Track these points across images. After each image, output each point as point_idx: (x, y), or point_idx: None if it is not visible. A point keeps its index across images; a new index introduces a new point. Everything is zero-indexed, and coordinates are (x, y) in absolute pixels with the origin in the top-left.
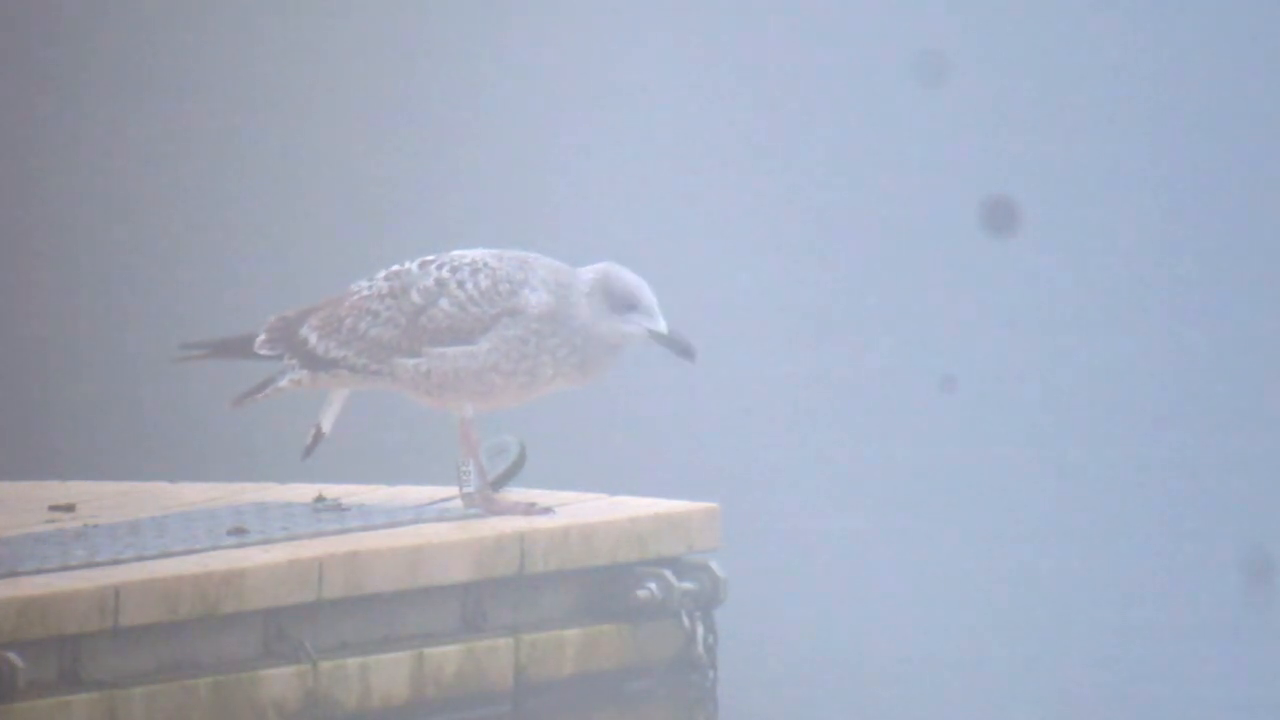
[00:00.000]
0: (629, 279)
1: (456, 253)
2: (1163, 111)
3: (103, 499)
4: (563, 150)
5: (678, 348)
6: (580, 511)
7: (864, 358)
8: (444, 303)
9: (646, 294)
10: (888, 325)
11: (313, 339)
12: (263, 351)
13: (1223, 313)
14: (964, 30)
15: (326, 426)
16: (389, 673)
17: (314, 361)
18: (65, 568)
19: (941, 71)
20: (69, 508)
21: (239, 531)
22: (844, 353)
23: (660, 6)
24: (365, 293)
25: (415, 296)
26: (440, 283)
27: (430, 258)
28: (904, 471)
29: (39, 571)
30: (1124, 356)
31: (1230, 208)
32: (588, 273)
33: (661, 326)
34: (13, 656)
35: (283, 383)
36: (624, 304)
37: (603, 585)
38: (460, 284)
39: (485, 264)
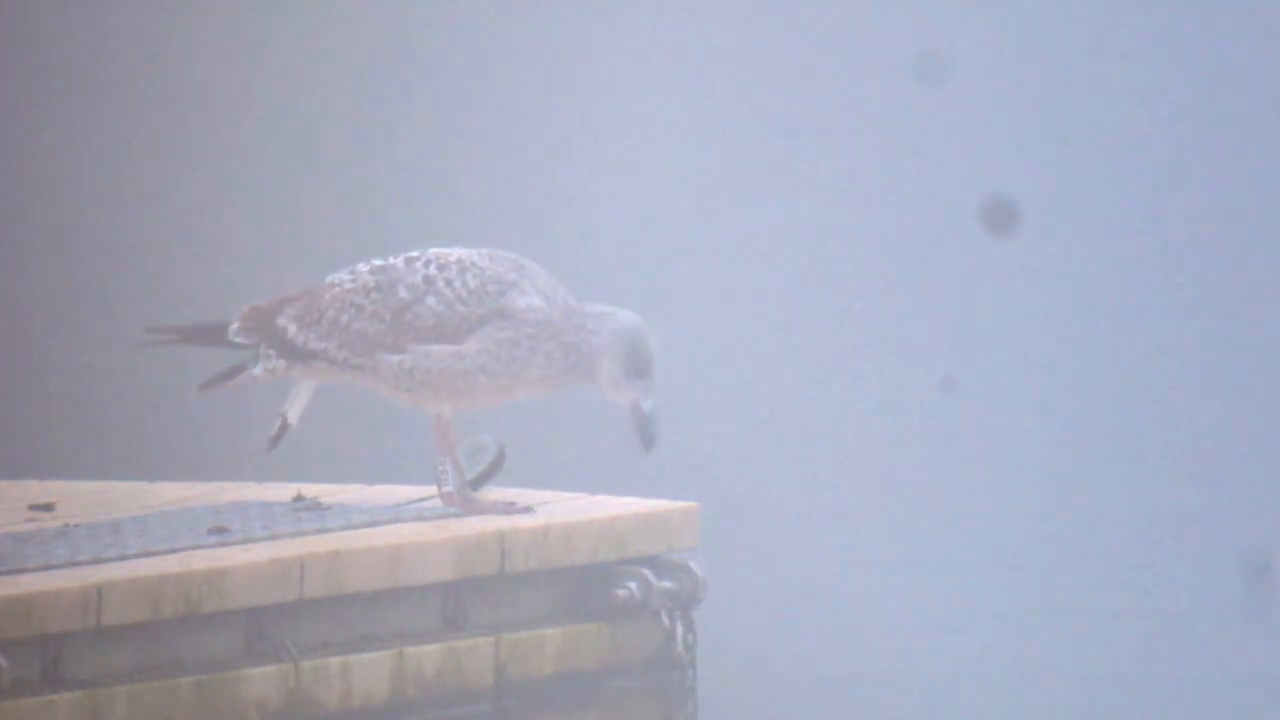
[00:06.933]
0: (651, 349)
1: (438, 250)
2: (1164, 111)
3: (81, 498)
4: (560, 151)
5: (645, 434)
6: (560, 511)
7: (863, 357)
8: (431, 300)
9: (655, 369)
10: (888, 325)
11: (291, 329)
12: (237, 340)
13: (1224, 312)
14: (964, 30)
15: (293, 418)
16: (370, 672)
17: (292, 352)
18: (47, 567)
19: (942, 71)
20: (48, 507)
21: (220, 531)
22: (843, 352)
23: (660, 8)
24: (348, 285)
25: (402, 292)
26: (428, 280)
27: (415, 254)
28: (902, 471)
29: (21, 571)
30: (1124, 356)
31: (1232, 207)
32: (612, 320)
33: (649, 406)
34: None
35: (257, 370)
36: (636, 370)
37: (582, 584)
38: (448, 282)
39: (473, 263)
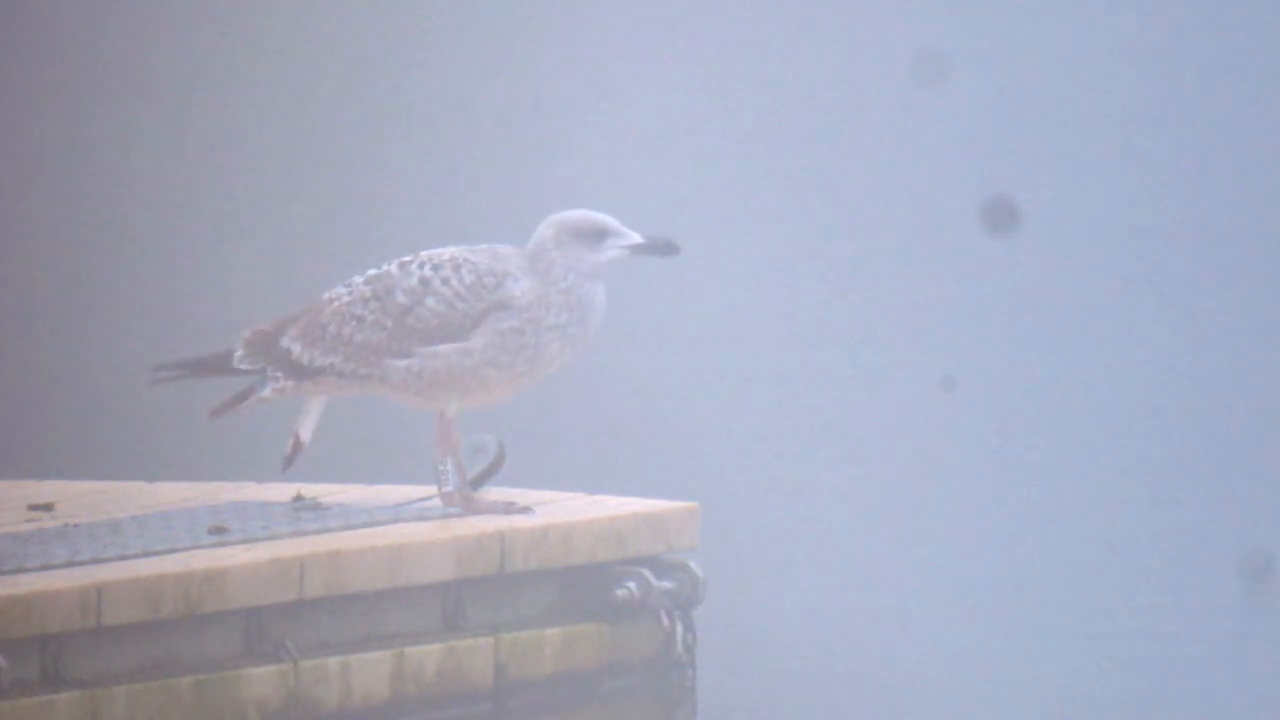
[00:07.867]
0: (583, 213)
1: (429, 252)
2: (1164, 111)
3: (80, 498)
4: (560, 150)
5: (659, 250)
6: (559, 510)
7: (863, 357)
8: (430, 301)
9: (607, 218)
10: (888, 325)
11: (296, 349)
12: (243, 366)
13: (1223, 312)
14: (964, 30)
15: (305, 436)
16: (370, 672)
17: (299, 372)
18: (47, 567)
19: (941, 71)
20: (48, 507)
21: (220, 530)
22: (843, 352)
23: (659, 6)
24: (346, 298)
25: (400, 297)
26: (424, 281)
27: (407, 258)
28: (902, 472)
29: (21, 571)
30: (1124, 356)
31: (1232, 208)
32: (544, 232)
33: (636, 238)
34: None
35: (265, 392)
36: (594, 235)
37: (582, 584)
38: (445, 281)
39: (465, 259)
